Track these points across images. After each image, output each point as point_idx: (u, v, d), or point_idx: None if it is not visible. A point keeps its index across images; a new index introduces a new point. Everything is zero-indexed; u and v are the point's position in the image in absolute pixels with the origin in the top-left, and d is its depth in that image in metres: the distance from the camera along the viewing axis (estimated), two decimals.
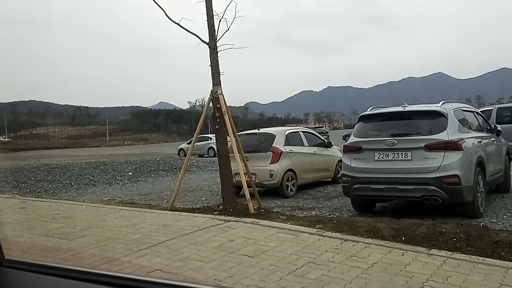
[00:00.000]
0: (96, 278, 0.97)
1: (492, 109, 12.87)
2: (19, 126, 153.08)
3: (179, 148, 30.53)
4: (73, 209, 7.39)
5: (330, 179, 11.01)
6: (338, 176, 10.31)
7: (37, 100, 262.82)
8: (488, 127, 7.92)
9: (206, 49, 7.25)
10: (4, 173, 14.87)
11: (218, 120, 7.19)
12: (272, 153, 9.23)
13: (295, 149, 9.72)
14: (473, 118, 7.48)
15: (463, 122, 6.68)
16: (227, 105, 7.25)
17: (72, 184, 13.04)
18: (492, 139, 7.59)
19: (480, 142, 6.70)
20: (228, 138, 7.48)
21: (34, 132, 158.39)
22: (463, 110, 7.13)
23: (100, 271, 1.04)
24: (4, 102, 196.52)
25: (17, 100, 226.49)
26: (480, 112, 8.36)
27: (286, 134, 9.85)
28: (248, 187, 6.99)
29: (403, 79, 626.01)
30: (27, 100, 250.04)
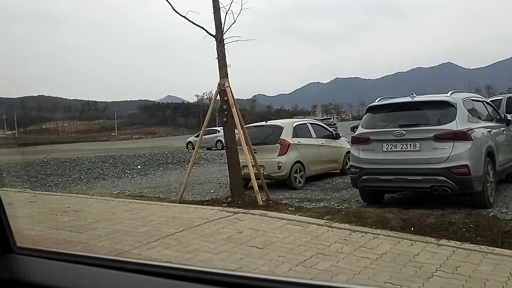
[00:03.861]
0: (105, 263, 0.98)
1: (502, 99, 12.69)
2: (28, 121, 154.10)
3: (187, 141, 30.55)
4: (83, 203, 7.46)
5: (338, 171, 10.99)
6: (346, 167, 10.29)
7: (46, 95, 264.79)
8: (498, 117, 7.84)
9: (212, 42, 7.25)
10: (15, 167, 15.04)
11: (225, 112, 7.20)
12: (280, 145, 9.22)
13: (303, 141, 9.70)
14: (482, 108, 7.41)
15: (472, 112, 6.62)
16: (235, 97, 7.25)
17: (82, 177, 13.15)
18: (502, 129, 7.52)
19: (489, 132, 6.65)
20: (236, 131, 7.49)
21: (44, 127, 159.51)
22: (473, 100, 7.06)
23: (109, 256, 1.06)
24: (13, 97, 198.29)
25: (26, 95, 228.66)
26: (489, 102, 8.27)
27: (294, 126, 9.83)
28: (256, 179, 7.01)
29: (411, 69, 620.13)
30: (36, 95, 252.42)
